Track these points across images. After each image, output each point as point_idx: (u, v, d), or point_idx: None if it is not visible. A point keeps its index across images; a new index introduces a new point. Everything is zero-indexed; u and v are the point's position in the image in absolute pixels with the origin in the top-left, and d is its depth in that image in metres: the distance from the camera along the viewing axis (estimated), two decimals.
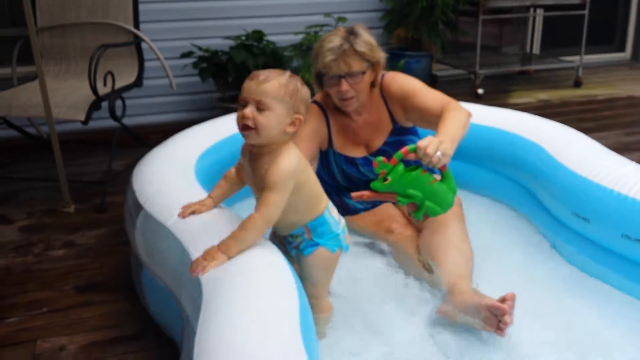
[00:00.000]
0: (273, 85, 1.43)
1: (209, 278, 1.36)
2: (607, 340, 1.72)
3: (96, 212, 2.85)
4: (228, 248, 1.43)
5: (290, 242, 1.67)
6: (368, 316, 1.82)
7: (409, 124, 2.25)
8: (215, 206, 1.70)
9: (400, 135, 2.25)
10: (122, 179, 2.24)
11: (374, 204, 2.30)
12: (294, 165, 1.47)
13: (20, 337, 1.92)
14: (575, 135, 2.40)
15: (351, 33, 2.06)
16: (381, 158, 1.69)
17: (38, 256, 2.45)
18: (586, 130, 3.40)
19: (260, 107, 1.43)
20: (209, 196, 1.71)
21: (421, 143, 1.69)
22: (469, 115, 1.99)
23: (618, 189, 1.95)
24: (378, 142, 2.25)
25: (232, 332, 1.15)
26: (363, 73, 2.07)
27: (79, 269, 2.34)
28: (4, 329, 1.96)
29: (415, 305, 1.88)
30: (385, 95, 2.22)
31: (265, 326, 1.19)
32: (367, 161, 2.25)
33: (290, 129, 1.47)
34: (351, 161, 2.25)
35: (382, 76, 2.22)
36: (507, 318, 1.60)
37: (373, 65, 2.09)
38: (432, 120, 2.00)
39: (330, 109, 2.24)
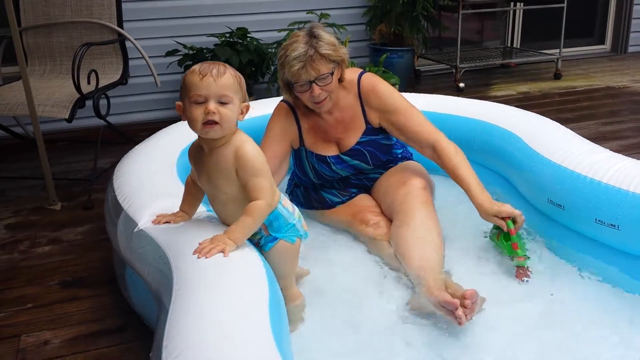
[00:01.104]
0: (229, 78, 1.47)
1: (180, 267, 1.40)
2: (581, 322, 1.78)
3: (82, 209, 2.88)
4: (236, 235, 1.49)
5: (249, 240, 1.62)
6: (342, 307, 1.86)
7: (377, 126, 2.27)
8: (190, 218, 1.71)
9: (374, 135, 2.27)
10: (108, 176, 2.28)
11: (350, 196, 2.35)
12: (257, 147, 1.54)
13: (5, 332, 1.94)
14: (550, 124, 2.45)
15: (312, 36, 2.05)
16: (510, 244, 1.99)
17: (24, 253, 2.47)
18: (565, 121, 3.49)
19: (223, 101, 1.46)
20: (180, 210, 1.70)
21: (516, 212, 2.00)
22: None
23: (591, 175, 2.00)
24: (351, 141, 2.26)
25: (201, 310, 1.22)
26: (332, 74, 2.08)
27: (65, 265, 2.37)
28: None
29: (389, 297, 1.91)
30: (363, 97, 2.23)
31: (234, 308, 1.25)
32: (339, 160, 2.27)
33: (241, 117, 1.53)
34: (323, 159, 2.27)
35: (360, 76, 2.24)
36: (459, 312, 1.66)
37: (338, 63, 2.11)
38: (413, 139, 2.20)
39: (300, 107, 2.25)
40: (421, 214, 2.07)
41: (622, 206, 1.88)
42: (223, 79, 1.46)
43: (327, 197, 2.35)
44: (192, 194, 1.69)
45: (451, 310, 1.69)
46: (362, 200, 2.32)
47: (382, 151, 2.30)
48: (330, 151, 2.28)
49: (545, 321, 1.78)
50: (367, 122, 2.26)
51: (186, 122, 1.51)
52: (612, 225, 1.92)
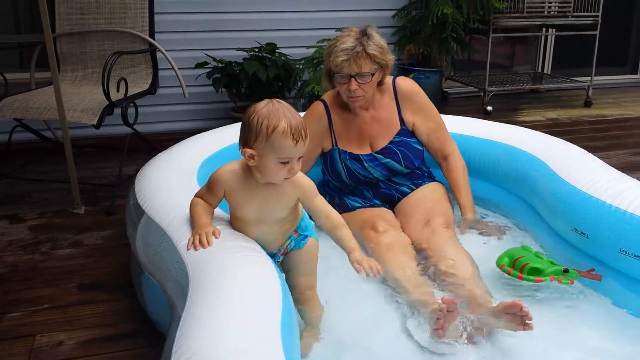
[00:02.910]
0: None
1: (197, 274, 1.42)
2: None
3: (105, 214, 2.91)
4: (356, 245, 1.67)
5: (275, 254, 1.71)
6: (350, 319, 1.83)
7: (412, 128, 2.38)
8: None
9: (407, 137, 2.35)
10: (131, 184, 2.33)
11: (372, 205, 2.36)
12: (301, 172, 1.63)
13: (20, 331, 1.96)
14: (577, 151, 2.41)
15: (364, 35, 2.16)
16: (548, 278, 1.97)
17: (45, 254, 2.51)
18: (594, 149, 3.43)
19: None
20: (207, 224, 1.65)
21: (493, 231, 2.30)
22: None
23: (617, 204, 1.95)
24: (384, 141, 2.33)
25: (213, 319, 1.22)
26: (372, 74, 2.18)
27: (84, 268, 2.39)
28: (5, 323, 2.01)
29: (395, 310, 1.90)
30: (400, 98, 2.34)
31: (246, 319, 1.25)
32: (372, 157, 2.32)
33: None
34: (356, 157, 2.32)
35: (394, 78, 2.34)
36: (526, 310, 1.64)
37: (382, 67, 2.21)
38: (433, 146, 2.39)
39: (335, 107, 2.34)
40: (449, 248, 2.08)
41: None
42: (308, 141, 1.55)
43: (349, 202, 2.37)
44: (209, 214, 1.66)
45: (511, 317, 1.67)
46: (381, 210, 2.33)
47: (414, 154, 2.35)
48: (364, 150, 2.34)
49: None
50: (402, 123, 2.34)
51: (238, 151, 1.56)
52: (636, 256, 1.88)
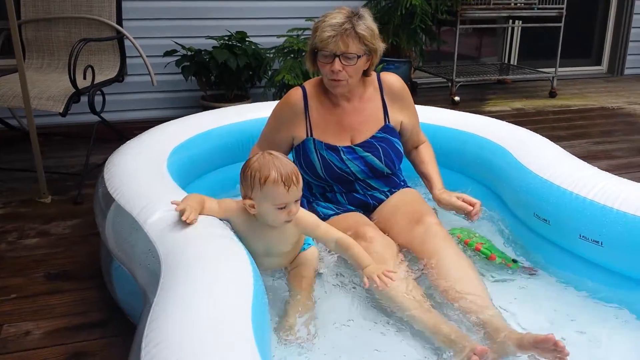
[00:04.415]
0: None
1: (167, 261, 1.42)
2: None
3: (72, 204, 2.88)
4: (370, 261, 1.78)
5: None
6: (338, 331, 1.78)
7: (397, 127, 2.26)
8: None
9: (390, 134, 2.22)
10: (100, 172, 2.30)
11: (345, 211, 2.21)
12: (300, 207, 1.77)
13: None
14: (539, 140, 2.48)
15: (355, 14, 2.04)
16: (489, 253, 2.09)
17: (11, 244, 2.47)
18: (557, 139, 3.52)
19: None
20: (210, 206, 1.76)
21: (468, 203, 2.11)
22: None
23: (577, 191, 2.02)
24: (365, 135, 2.19)
25: (184, 305, 1.23)
26: (359, 57, 2.03)
27: (51, 258, 2.37)
28: None
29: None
30: (386, 93, 2.22)
31: (217, 305, 1.27)
32: (350, 150, 2.18)
33: None
34: (334, 148, 2.18)
35: (378, 73, 2.23)
36: (560, 344, 1.53)
37: (370, 52, 2.07)
38: (409, 139, 2.33)
39: (315, 95, 2.19)
40: (449, 254, 1.95)
41: (606, 223, 1.89)
42: (300, 184, 1.69)
43: (321, 210, 2.21)
44: (202, 202, 1.75)
45: (545, 349, 1.55)
46: (356, 216, 2.18)
47: (395, 153, 2.22)
48: (343, 142, 2.20)
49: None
50: (387, 119, 2.23)
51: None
52: (595, 241, 1.94)
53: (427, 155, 2.36)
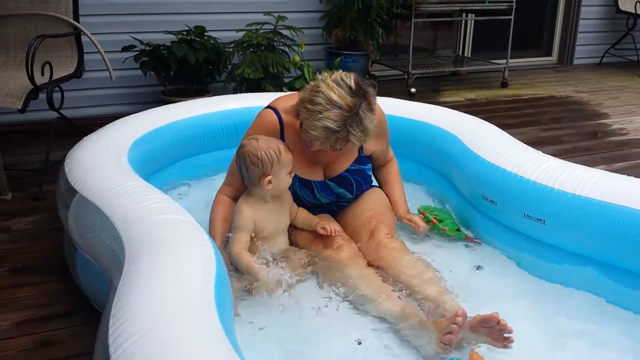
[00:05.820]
0: None
1: (131, 246, 1.48)
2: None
3: (33, 200, 2.89)
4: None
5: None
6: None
7: (369, 153, 2.25)
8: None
9: (363, 164, 2.22)
10: (60, 169, 2.33)
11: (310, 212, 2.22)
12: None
13: None
14: (487, 127, 2.61)
15: (354, 114, 1.86)
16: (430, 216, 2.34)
17: None
18: (508, 126, 3.67)
19: None
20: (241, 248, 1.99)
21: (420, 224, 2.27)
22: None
23: (521, 173, 2.15)
24: (340, 168, 2.17)
25: (149, 283, 1.31)
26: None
27: (15, 253, 2.39)
28: None
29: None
30: None
31: (181, 282, 1.34)
32: (324, 186, 2.16)
33: None
34: (307, 184, 2.15)
35: None
36: (503, 322, 1.58)
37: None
38: (380, 161, 2.36)
39: (290, 123, 2.09)
40: (405, 262, 1.99)
41: (548, 202, 2.03)
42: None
43: None
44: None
45: (491, 328, 1.60)
46: (326, 217, 2.22)
47: (365, 181, 2.25)
48: (316, 176, 2.16)
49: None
50: (361, 150, 2.18)
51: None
52: (538, 219, 2.07)
53: (392, 175, 2.39)
